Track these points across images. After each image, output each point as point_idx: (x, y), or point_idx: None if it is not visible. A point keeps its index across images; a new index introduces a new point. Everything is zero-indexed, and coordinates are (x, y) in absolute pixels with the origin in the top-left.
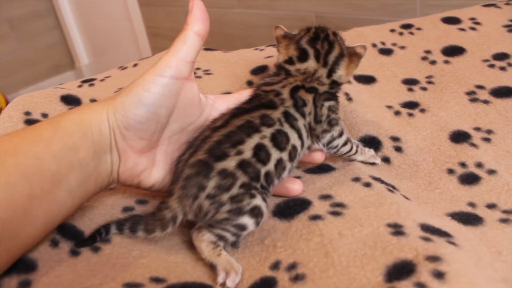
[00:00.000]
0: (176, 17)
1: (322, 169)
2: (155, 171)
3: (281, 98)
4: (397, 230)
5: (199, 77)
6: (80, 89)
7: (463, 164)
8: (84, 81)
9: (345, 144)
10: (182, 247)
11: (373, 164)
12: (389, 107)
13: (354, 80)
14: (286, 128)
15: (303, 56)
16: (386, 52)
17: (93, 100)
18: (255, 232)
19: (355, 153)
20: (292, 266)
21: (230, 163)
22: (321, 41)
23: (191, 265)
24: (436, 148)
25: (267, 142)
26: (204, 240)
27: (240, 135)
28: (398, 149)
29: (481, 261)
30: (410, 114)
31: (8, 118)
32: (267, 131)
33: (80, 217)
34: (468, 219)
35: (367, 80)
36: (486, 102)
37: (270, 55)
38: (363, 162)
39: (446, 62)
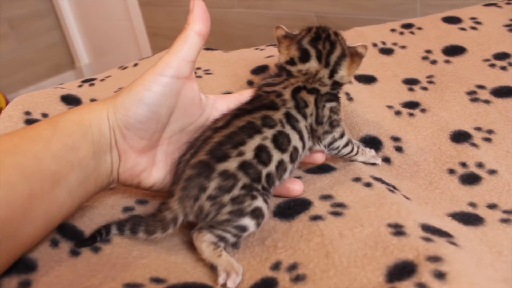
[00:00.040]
0: (176, 17)
1: (323, 169)
2: (155, 171)
3: (282, 99)
4: (397, 230)
5: (200, 76)
6: (80, 89)
7: (463, 164)
8: (84, 81)
9: (346, 145)
10: (183, 248)
11: (373, 164)
12: (390, 107)
13: (354, 80)
14: (288, 129)
15: (304, 57)
16: (386, 51)
17: (93, 100)
18: (255, 232)
19: (356, 154)
20: (292, 267)
21: (231, 164)
22: (322, 41)
23: (192, 266)
24: (437, 148)
25: (268, 143)
26: (205, 241)
27: (241, 136)
28: (399, 149)
29: (481, 261)
30: (411, 114)
31: (8, 118)
32: (269, 132)
33: (80, 217)
34: (469, 219)
35: (368, 80)
36: (486, 102)
37: (270, 55)
38: (364, 162)
39: (447, 61)
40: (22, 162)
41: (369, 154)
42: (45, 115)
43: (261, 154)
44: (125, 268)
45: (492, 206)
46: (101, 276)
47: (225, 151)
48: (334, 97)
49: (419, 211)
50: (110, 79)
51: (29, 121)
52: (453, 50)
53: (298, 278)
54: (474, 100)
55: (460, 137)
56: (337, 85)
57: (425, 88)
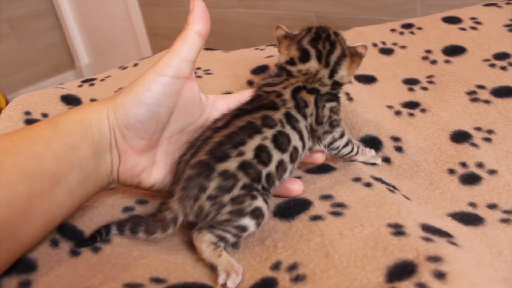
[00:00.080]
0: (176, 17)
1: (323, 169)
2: (155, 171)
3: (282, 99)
4: (397, 230)
5: (200, 76)
6: (80, 89)
7: (463, 164)
8: (85, 81)
9: (346, 145)
10: (183, 248)
11: (373, 164)
12: (390, 107)
13: (354, 80)
14: (288, 129)
15: (304, 57)
16: (386, 51)
17: (93, 100)
18: (255, 232)
19: (356, 154)
20: (292, 267)
21: (231, 164)
22: (322, 41)
23: (192, 266)
24: (437, 148)
25: (268, 143)
26: (205, 241)
27: (241, 136)
28: (399, 149)
29: (482, 261)
30: (411, 114)
31: (8, 118)
32: (269, 132)
33: (80, 217)
34: (469, 219)
35: (368, 79)
36: (486, 102)
37: (270, 55)
38: (364, 162)
39: (447, 61)
40: (22, 162)
41: (369, 154)
42: (45, 115)
43: (261, 154)
44: (125, 268)
45: (492, 206)
46: (101, 276)
47: (225, 151)
48: (334, 97)
49: (419, 211)
50: (110, 79)
51: (29, 121)
52: (453, 50)
53: (298, 278)
54: (474, 100)
55: (460, 137)
56: (337, 85)
57: (425, 88)
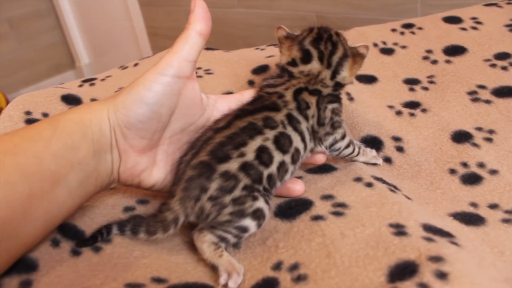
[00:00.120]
0: (176, 17)
1: (324, 169)
2: (155, 171)
3: (284, 100)
4: (399, 230)
5: (200, 76)
6: (80, 88)
7: (465, 164)
8: (85, 81)
9: (347, 146)
10: (184, 248)
11: (375, 164)
12: (391, 107)
13: (355, 80)
14: (289, 130)
15: (306, 58)
16: (387, 51)
17: (93, 100)
18: (256, 232)
19: (357, 154)
20: (294, 267)
21: (232, 165)
22: (324, 42)
23: (193, 266)
24: (438, 148)
25: (270, 145)
26: (206, 241)
27: (242, 137)
28: (400, 149)
29: (483, 261)
30: (412, 114)
31: (9, 117)
32: (270, 134)
33: (80, 216)
34: (470, 219)
35: (369, 79)
36: (487, 102)
37: (271, 55)
38: (365, 163)
39: (448, 61)
40: (22, 162)
41: (370, 154)
42: (45, 115)
43: (262, 155)
44: (126, 268)
45: (493, 206)
46: (102, 276)
47: (226, 152)
48: (336, 98)
49: (421, 211)
50: (110, 79)
51: (30, 121)
52: (454, 50)
53: (299, 278)
54: (475, 100)
55: (461, 137)
56: (339, 86)
57: (426, 88)
